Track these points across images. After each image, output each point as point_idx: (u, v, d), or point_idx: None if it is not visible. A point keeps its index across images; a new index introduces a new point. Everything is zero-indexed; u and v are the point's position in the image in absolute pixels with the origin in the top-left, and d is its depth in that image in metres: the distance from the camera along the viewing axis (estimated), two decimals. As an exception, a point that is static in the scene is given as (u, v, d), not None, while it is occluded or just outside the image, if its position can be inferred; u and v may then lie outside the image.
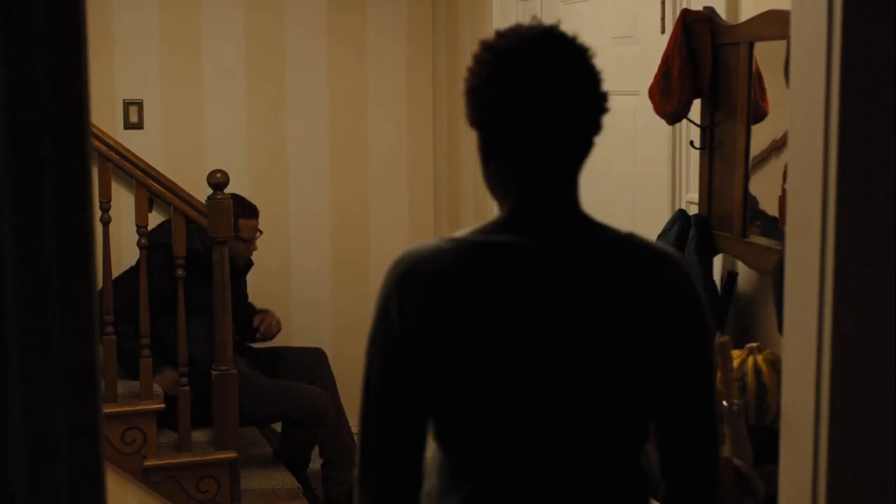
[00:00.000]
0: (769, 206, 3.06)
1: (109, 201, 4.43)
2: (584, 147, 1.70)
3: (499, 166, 1.72)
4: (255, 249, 4.90)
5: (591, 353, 1.70)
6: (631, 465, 1.78)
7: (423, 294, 1.68)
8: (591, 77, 1.67)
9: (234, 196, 4.78)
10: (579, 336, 1.69)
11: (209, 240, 4.52)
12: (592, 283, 1.70)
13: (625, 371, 1.71)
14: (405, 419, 1.73)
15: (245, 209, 4.82)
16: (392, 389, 1.72)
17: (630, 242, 1.73)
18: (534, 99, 1.64)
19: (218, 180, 4.39)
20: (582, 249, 1.72)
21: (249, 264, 4.96)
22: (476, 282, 1.68)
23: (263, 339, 4.95)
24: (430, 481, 1.80)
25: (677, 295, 1.71)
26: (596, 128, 1.69)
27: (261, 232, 4.91)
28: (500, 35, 1.68)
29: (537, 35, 1.66)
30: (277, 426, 5.00)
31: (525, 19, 4.67)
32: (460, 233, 1.74)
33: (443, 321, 1.68)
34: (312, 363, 4.95)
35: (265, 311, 4.99)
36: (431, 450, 1.81)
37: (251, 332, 4.95)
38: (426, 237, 5.66)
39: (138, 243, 4.45)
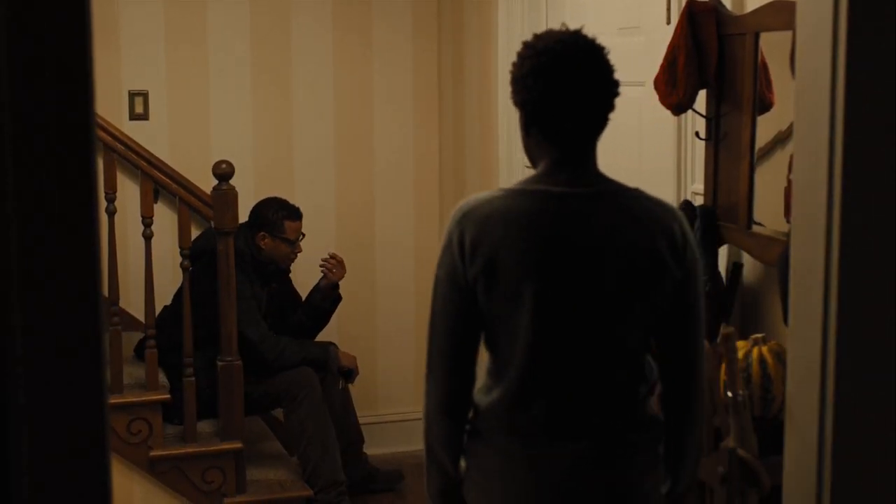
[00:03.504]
0: (775, 198, 3.06)
1: (115, 192, 4.44)
2: (601, 121, 2.23)
3: (536, 135, 2.24)
4: (300, 251, 4.92)
5: (606, 278, 2.19)
6: (633, 371, 2.27)
7: (479, 229, 2.19)
8: (606, 69, 2.20)
9: (277, 199, 4.88)
10: (598, 264, 2.19)
11: (251, 240, 4.72)
12: (609, 222, 2.21)
13: (632, 293, 2.20)
14: (463, 329, 2.25)
15: (289, 211, 4.86)
16: (454, 306, 2.23)
17: (638, 194, 2.27)
18: (564, 84, 2.17)
19: (223, 171, 4.40)
20: (601, 197, 2.23)
21: (286, 270, 5.00)
22: (519, 219, 2.19)
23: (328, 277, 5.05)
24: (481, 380, 2.32)
25: (676, 236, 2.22)
26: (610, 107, 2.22)
27: (303, 234, 4.94)
28: (538, 37, 2.22)
29: (567, 36, 2.19)
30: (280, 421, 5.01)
31: (530, 10, 4.68)
32: (508, 185, 2.29)
33: (493, 250, 2.18)
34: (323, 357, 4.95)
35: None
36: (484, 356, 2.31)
37: (305, 329, 5.01)
38: (432, 229, 5.67)
39: (143, 234, 4.46)
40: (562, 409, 2.22)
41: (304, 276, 5.15)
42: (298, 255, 4.92)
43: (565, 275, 2.18)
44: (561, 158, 2.23)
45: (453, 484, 2.32)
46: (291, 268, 5.01)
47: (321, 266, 5.01)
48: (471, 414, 2.32)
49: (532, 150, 2.29)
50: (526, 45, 2.22)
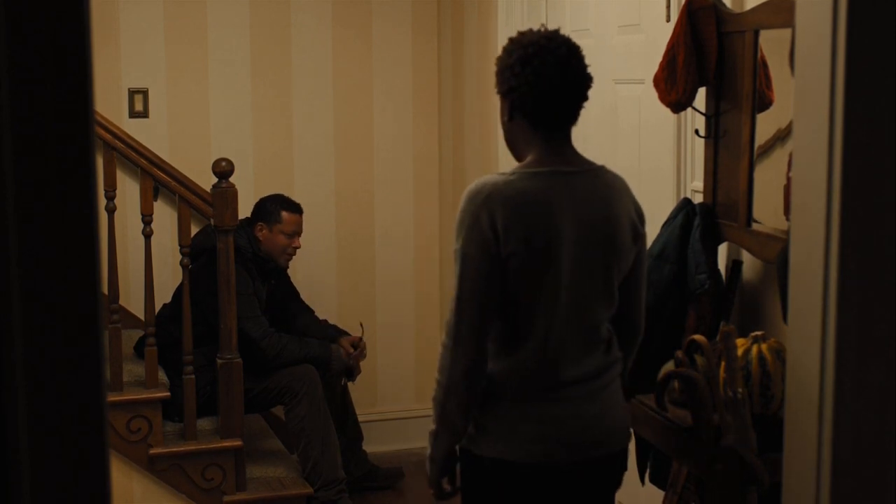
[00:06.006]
0: (774, 195, 3.06)
1: (114, 190, 4.44)
2: (577, 110, 2.54)
3: (520, 122, 2.52)
4: (298, 247, 4.91)
5: (606, 246, 2.51)
6: (608, 322, 2.61)
7: (509, 209, 2.42)
8: (581, 65, 2.50)
9: (280, 194, 4.87)
10: (601, 233, 2.50)
11: (251, 236, 4.74)
12: (602, 194, 2.52)
13: (620, 256, 2.53)
14: (491, 302, 2.46)
15: (288, 204, 4.88)
16: (487, 281, 2.44)
17: (606, 169, 2.60)
18: (549, 72, 2.45)
19: (223, 169, 4.40)
20: (593, 173, 2.55)
21: (282, 270, 4.99)
22: (544, 198, 2.45)
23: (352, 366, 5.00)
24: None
25: (635, 201, 2.61)
26: (584, 98, 2.53)
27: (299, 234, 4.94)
28: (522, 34, 2.52)
29: (548, 33, 2.50)
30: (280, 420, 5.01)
31: (530, 9, 4.69)
32: (512, 169, 2.52)
33: (527, 228, 2.42)
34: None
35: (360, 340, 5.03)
36: None
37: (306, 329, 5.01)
38: (431, 225, 5.68)
39: (143, 232, 4.46)
40: (572, 364, 2.53)
41: (303, 274, 5.15)
42: (296, 252, 4.92)
43: (583, 245, 2.48)
44: (550, 143, 2.52)
45: (456, 445, 2.61)
46: (290, 265, 5.02)
47: (353, 357, 4.98)
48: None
49: (514, 136, 2.57)
50: (511, 40, 2.53)
